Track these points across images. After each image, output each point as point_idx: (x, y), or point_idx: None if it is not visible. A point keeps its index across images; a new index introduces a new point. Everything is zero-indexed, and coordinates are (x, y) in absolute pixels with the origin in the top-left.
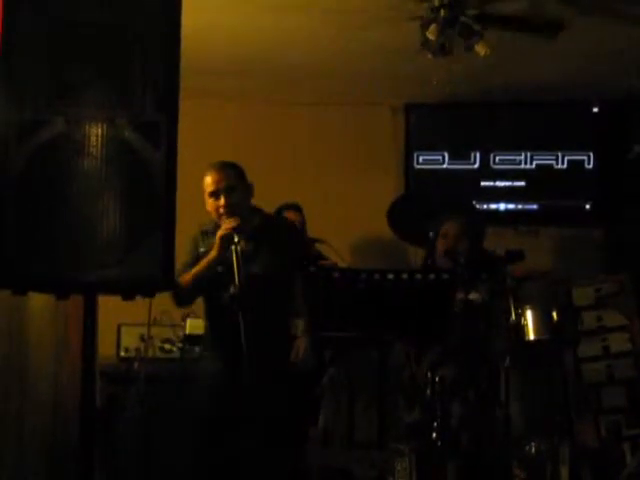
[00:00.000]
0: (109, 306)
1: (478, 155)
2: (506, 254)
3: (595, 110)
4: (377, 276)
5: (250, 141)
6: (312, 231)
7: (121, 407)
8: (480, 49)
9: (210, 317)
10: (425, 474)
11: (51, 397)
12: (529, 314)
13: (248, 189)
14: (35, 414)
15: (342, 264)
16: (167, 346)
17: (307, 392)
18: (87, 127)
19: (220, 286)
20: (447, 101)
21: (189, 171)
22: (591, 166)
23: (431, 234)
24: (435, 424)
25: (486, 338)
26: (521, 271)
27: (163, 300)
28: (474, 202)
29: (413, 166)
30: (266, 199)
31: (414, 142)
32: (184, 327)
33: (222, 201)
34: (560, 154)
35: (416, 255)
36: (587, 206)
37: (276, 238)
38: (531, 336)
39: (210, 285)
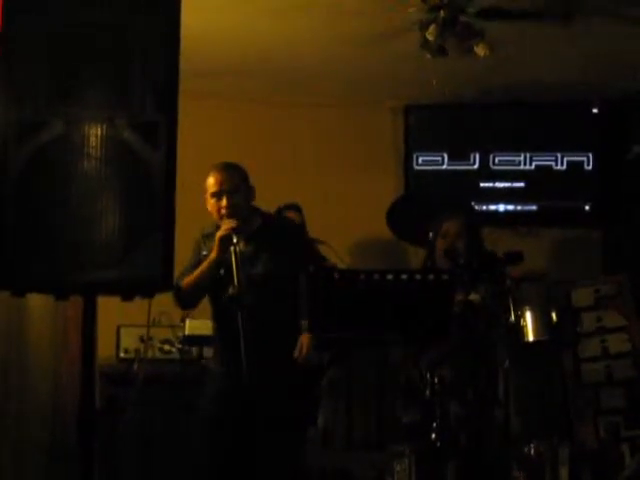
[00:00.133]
0: (108, 307)
1: (477, 156)
2: (505, 255)
3: (594, 111)
4: (376, 276)
5: (250, 142)
6: (312, 231)
7: (120, 408)
8: (480, 50)
9: (214, 318)
10: (424, 475)
11: (50, 398)
12: (528, 315)
13: (250, 191)
14: (34, 415)
15: (341, 265)
16: (166, 347)
17: (307, 392)
18: (86, 128)
19: (222, 288)
20: (446, 102)
21: (189, 172)
22: (590, 167)
23: (431, 234)
24: (434, 425)
25: (485, 339)
26: (520, 272)
27: (162, 301)
28: (473, 203)
29: (413, 167)
30: (266, 200)
31: (413, 143)
32: (183, 328)
33: (224, 202)
34: (559, 155)
35: (416, 256)
36: (586, 207)
37: (277, 239)
38: (530, 337)
39: (213, 287)
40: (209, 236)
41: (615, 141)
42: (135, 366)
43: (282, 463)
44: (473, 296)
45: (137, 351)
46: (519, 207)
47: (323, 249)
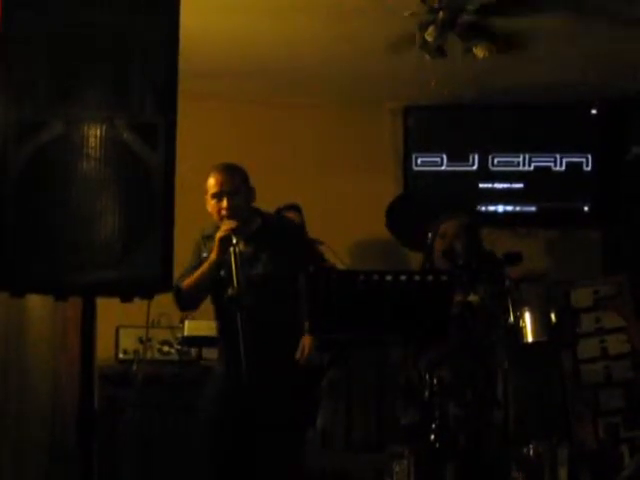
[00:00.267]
0: (108, 308)
1: (476, 157)
2: (504, 256)
3: (593, 112)
4: (376, 277)
5: (249, 143)
6: (311, 232)
7: (120, 409)
8: (479, 51)
9: (217, 319)
10: (423, 475)
11: (50, 398)
12: (527, 316)
13: (250, 192)
14: (34, 415)
15: (341, 266)
16: (165, 348)
17: (307, 393)
18: (86, 128)
19: (223, 288)
20: (445, 103)
21: (188, 173)
22: (589, 168)
23: (429, 235)
24: (433, 426)
25: (484, 340)
26: (519, 273)
27: (162, 302)
28: (472, 204)
29: (411, 168)
30: (266, 200)
31: (412, 144)
32: (182, 329)
33: (224, 203)
34: (558, 156)
35: (415, 256)
36: (585, 208)
37: (277, 239)
38: (529, 338)
39: (215, 288)
40: (209, 237)
41: (614, 142)
42: (134, 367)
43: (282, 464)
44: (472, 297)
45: (136, 352)
46: (518, 208)
47: (322, 250)
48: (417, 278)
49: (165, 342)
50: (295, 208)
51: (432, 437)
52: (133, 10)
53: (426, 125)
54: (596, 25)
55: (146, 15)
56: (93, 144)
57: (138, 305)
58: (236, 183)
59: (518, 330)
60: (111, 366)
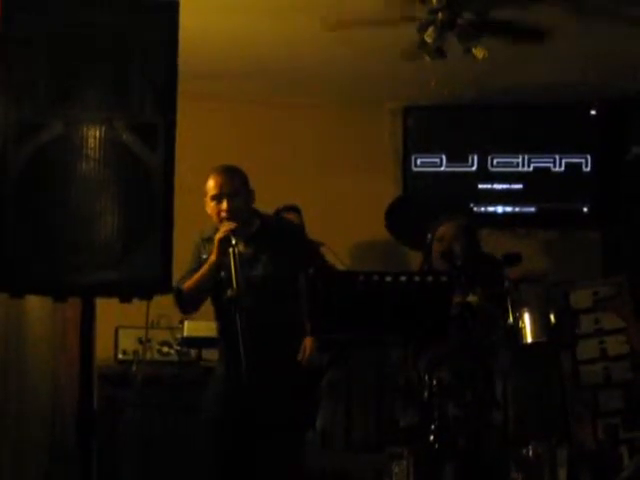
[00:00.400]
0: (107, 309)
1: (476, 158)
2: (504, 257)
3: (593, 113)
4: (375, 278)
5: (249, 143)
6: (311, 233)
7: (119, 409)
8: (478, 52)
9: (217, 320)
10: (422, 476)
11: (50, 399)
12: (526, 317)
13: (250, 194)
14: (34, 415)
15: (340, 267)
16: (165, 349)
17: (307, 394)
18: (85, 129)
19: (223, 289)
20: (445, 103)
21: (188, 173)
22: (589, 169)
23: (428, 236)
24: (432, 426)
25: (483, 341)
26: (518, 274)
27: (161, 303)
28: (472, 205)
29: (411, 169)
30: (265, 201)
31: (412, 144)
32: (182, 330)
33: (224, 205)
34: (558, 157)
35: (415, 257)
36: (585, 209)
37: (276, 240)
38: (528, 339)
39: (215, 289)
40: (209, 239)
41: (613, 143)
42: (133, 368)
43: (282, 464)
44: (471, 298)
45: (135, 353)
46: (517, 209)
47: (322, 250)
48: (417, 279)
49: (164, 343)
50: (294, 209)
51: (431, 438)
52: (133, 10)
53: (426, 125)
54: (596, 25)
55: (146, 15)
56: (92, 145)
57: (137, 306)
58: (236, 185)
59: (517, 331)
60: (110, 367)
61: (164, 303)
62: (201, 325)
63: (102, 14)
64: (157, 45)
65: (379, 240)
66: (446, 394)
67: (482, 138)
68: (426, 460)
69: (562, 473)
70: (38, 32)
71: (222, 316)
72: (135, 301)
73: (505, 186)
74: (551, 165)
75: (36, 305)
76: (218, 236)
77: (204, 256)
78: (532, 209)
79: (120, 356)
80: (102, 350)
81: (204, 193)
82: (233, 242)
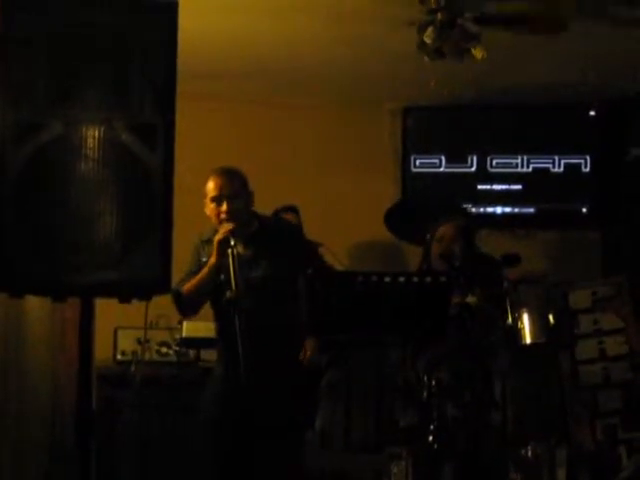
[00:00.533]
0: (106, 309)
1: (475, 158)
2: (503, 257)
3: (592, 113)
4: (374, 278)
5: (248, 144)
6: (310, 233)
7: (118, 410)
8: (477, 53)
9: (215, 321)
10: (421, 477)
11: (49, 399)
12: (525, 318)
13: (249, 196)
14: (33, 416)
15: (339, 267)
16: (164, 349)
17: (306, 394)
18: (85, 129)
19: (222, 290)
20: (444, 104)
21: (187, 174)
22: (588, 169)
23: (427, 237)
24: (431, 427)
25: (482, 341)
26: (517, 274)
27: (160, 303)
28: (470, 205)
29: (410, 169)
30: (265, 201)
31: (411, 145)
32: (181, 330)
33: (224, 207)
34: (557, 157)
35: (414, 258)
36: (584, 209)
37: (276, 241)
38: (527, 340)
39: (214, 290)
40: (207, 241)
41: (613, 143)
42: (132, 368)
43: (281, 465)
44: (470, 298)
45: (134, 353)
46: (517, 209)
47: (321, 251)
48: (415, 279)
49: (163, 343)
50: (292, 209)
51: (430, 438)
52: (133, 10)
53: (425, 126)
54: (595, 26)
55: (145, 15)
56: (92, 145)
57: (136, 306)
58: (236, 187)
59: (516, 331)
60: (109, 367)
61: (163, 303)
62: (200, 326)
63: (102, 14)
64: (156, 45)
65: (378, 240)
66: (445, 394)
67: (481, 139)
68: (425, 460)
69: (561, 473)
70: (38, 32)
71: (221, 317)
72: (134, 301)
73: (504, 187)
74: (550, 166)
75: (35, 305)
76: (217, 238)
77: (203, 259)
78: (531, 210)
79: (119, 357)
80: (101, 351)
81: (204, 194)
82: (232, 243)
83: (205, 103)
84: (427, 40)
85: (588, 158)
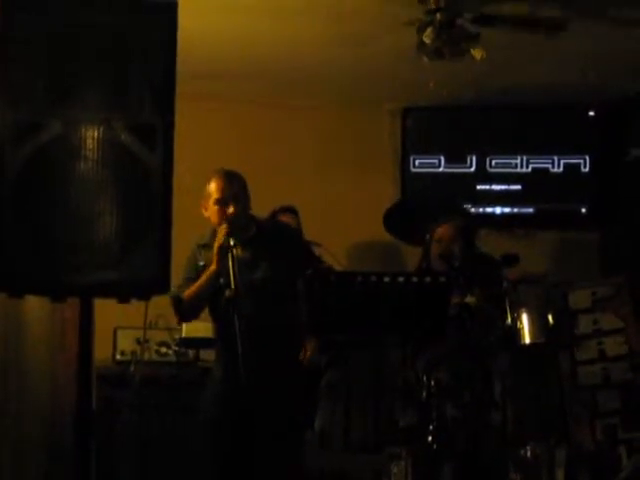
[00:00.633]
0: (105, 309)
1: (474, 158)
2: (502, 257)
3: (591, 114)
4: (373, 279)
5: (248, 144)
6: (309, 233)
7: (117, 410)
8: (476, 53)
9: (214, 322)
10: (421, 477)
11: (49, 399)
12: (525, 318)
13: (249, 199)
14: (33, 416)
15: (338, 267)
16: (163, 349)
17: (306, 394)
18: (84, 130)
19: (221, 291)
20: (444, 104)
21: (186, 174)
22: (587, 170)
23: (427, 237)
24: (431, 427)
25: (482, 341)
26: (517, 274)
27: (159, 303)
28: (470, 206)
29: (409, 169)
30: (264, 202)
31: (410, 145)
32: (180, 330)
33: (230, 209)
34: (556, 158)
35: (413, 258)
36: (583, 210)
37: (274, 243)
38: (527, 340)
39: (213, 294)
40: (205, 246)
41: (612, 144)
42: (132, 368)
43: (281, 465)
44: (469, 299)
45: (134, 353)
46: (516, 210)
47: (320, 251)
48: (415, 280)
49: (163, 343)
50: (291, 210)
51: (430, 438)
52: (133, 10)
53: (424, 126)
54: (595, 26)
55: (145, 16)
56: (91, 145)
57: (136, 306)
58: (238, 189)
59: (516, 331)
60: (109, 367)
61: (162, 304)
62: (199, 326)
63: (101, 14)
64: (156, 45)
65: (377, 241)
66: (444, 395)
67: (481, 139)
68: (424, 460)
69: (560, 474)
70: (38, 32)
71: (219, 318)
72: (133, 301)
73: (503, 187)
74: (550, 166)
75: (35, 305)
76: (217, 244)
77: (201, 263)
78: (530, 210)
79: (118, 357)
80: (100, 351)
81: (205, 196)
82: (232, 243)
83: (204, 103)
84: (426, 40)
85: (587, 158)
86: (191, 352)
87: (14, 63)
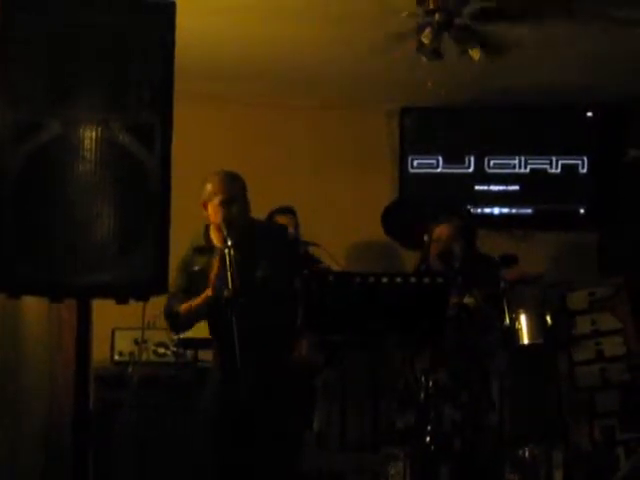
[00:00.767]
0: (103, 310)
1: (472, 159)
2: (500, 258)
3: (589, 114)
4: (372, 279)
5: (245, 144)
6: (307, 234)
7: (115, 411)
8: (474, 54)
9: (209, 321)
10: (418, 477)
11: (46, 401)
12: (523, 318)
13: (248, 200)
14: (30, 416)
15: (336, 268)
16: (161, 350)
17: (303, 395)
18: (82, 130)
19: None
20: (442, 105)
21: (184, 174)
22: (585, 170)
23: (426, 237)
24: (428, 428)
25: (480, 342)
26: (515, 275)
27: (157, 304)
28: (468, 206)
29: (407, 170)
30: (261, 202)
31: (408, 146)
32: None
33: (234, 210)
34: (554, 158)
35: (411, 258)
36: (581, 210)
37: (271, 244)
38: (525, 340)
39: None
40: (200, 250)
41: (610, 144)
42: (130, 369)
43: (278, 465)
44: (468, 299)
45: (132, 354)
46: (514, 210)
47: (318, 252)
48: (413, 280)
49: (161, 344)
50: (289, 211)
51: (427, 439)
52: (132, 10)
53: (422, 127)
54: (593, 27)
55: (144, 16)
56: (89, 146)
57: (134, 307)
58: (240, 190)
59: (514, 332)
60: (107, 368)
61: (160, 304)
62: (198, 326)
63: (101, 14)
64: (154, 45)
65: (376, 241)
66: (442, 395)
67: (479, 139)
68: (422, 461)
69: (558, 475)
70: (38, 32)
71: (215, 317)
72: (131, 302)
73: (502, 187)
74: (548, 167)
75: (33, 305)
76: (219, 255)
77: (195, 268)
78: (529, 210)
79: (116, 357)
80: (98, 351)
81: (205, 196)
82: (229, 243)
83: (203, 103)
84: (425, 41)
85: (585, 159)
86: (189, 352)
87: (14, 63)
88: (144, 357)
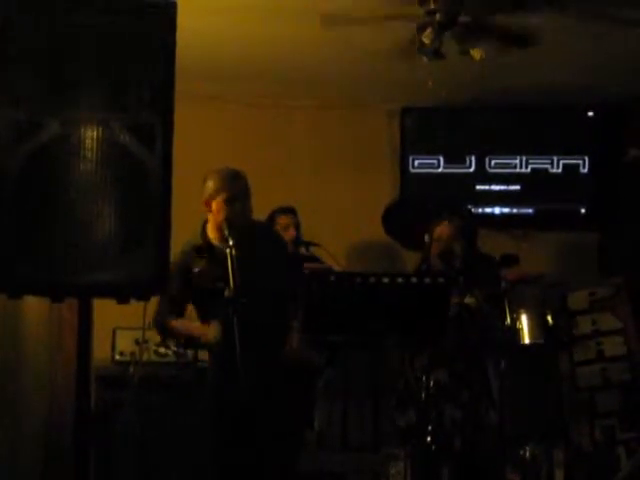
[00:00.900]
0: (104, 309)
1: (473, 159)
2: (501, 258)
3: (590, 114)
4: (372, 279)
5: (246, 144)
6: (308, 234)
7: (116, 411)
8: (475, 53)
9: (204, 320)
10: (419, 477)
11: (46, 401)
12: (524, 318)
13: (250, 199)
14: (31, 416)
15: (337, 268)
16: (162, 350)
17: (304, 394)
18: (83, 130)
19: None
20: (443, 104)
21: (185, 174)
22: (586, 170)
23: (426, 237)
24: (429, 427)
25: (481, 341)
26: (515, 275)
27: None
28: (469, 206)
29: (408, 170)
30: (261, 202)
31: (409, 146)
32: None
33: (238, 208)
34: (555, 158)
35: (412, 258)
36: (582, 210)
37: (271, 245)
38: (526, 340)
39: (210, 295)
40: (199, 250)
41: (610, 144)
42: (130, 369)
43: (279, 464)
44: (468, 299)
45: (132, 354)
46: (515, 210)
47: (318, 251)
48: (414, 280)
49: (162, 344)
50: (290, 211)
51: (428, 439)
52: (132, 10)
53: (423, 127)
54: (594, 27)
55: (145, 16)
56: (90, 146)
57: (135, 306)
58: (244, 188)
59: (515, 332)
60: (107, 368)
61: None
62: None
63: (102, 14)
64: (155, 46)
65: (376, 241)
66: (443, 395)
67: (480, 139)
68: (423, 461)
69: (559, 474)
70: (38, 32)
71: (212, 317)
72: (132, 302)
73: (503, 187)
74: (549, 166)
75: (33, 305)
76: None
77: (195, 269)
78: (530, 210)
79: (117, 357)
80: (99, 351)
81: (208, 194)
82: (230, 243)
83: (204, 103)
84: (426, 41)
85: (586, 159)
86: (190, 352)
87: (14, 63)
88: (145, 357)
